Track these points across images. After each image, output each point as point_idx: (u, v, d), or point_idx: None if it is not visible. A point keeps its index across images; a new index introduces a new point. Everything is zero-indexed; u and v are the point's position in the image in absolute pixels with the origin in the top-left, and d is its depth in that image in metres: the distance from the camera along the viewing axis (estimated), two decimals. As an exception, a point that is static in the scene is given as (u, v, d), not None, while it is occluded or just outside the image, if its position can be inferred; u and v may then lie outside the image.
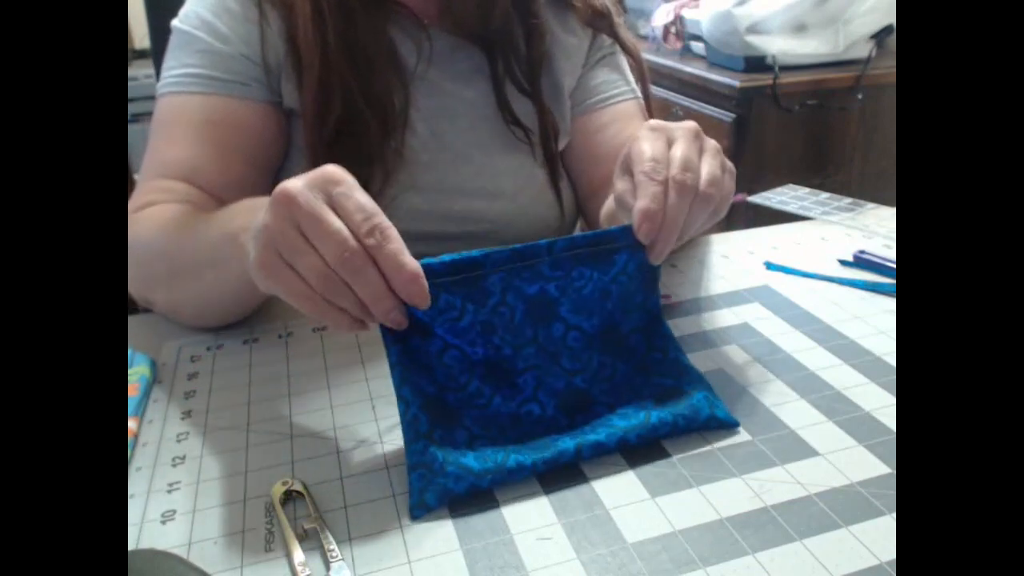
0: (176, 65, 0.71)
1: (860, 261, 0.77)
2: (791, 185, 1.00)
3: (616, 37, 0.84)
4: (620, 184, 0.54)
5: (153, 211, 0.65)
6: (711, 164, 0.52)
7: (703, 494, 0.47)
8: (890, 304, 0.69)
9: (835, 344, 0.63)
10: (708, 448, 0.51)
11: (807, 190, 0.98)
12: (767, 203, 0.94)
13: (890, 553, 0.42)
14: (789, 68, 1.62)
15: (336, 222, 0.44)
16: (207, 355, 0.64)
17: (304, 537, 0.44)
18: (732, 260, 0.79)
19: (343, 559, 0.42)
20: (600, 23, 0.83)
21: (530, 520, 0.45)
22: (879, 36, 1.65)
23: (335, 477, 0.49)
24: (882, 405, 0.54)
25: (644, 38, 2.01)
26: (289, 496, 0.47)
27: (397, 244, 0.45)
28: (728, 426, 0.52)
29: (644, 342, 0.55)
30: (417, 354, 0.49)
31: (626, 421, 0.51)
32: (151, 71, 1.07)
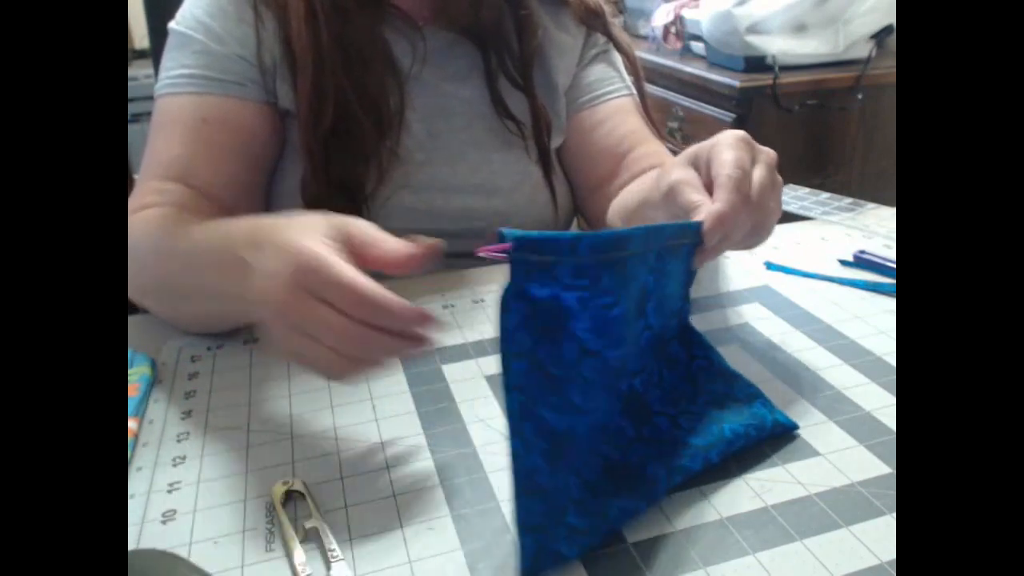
0: (173, 66, 0.72)
1: (860, 261, 0.77)
2: (791, 185, 1.00)
3: (609, 35, 0.85)
4: (681, 173, 0.53)
5: (148, 218, 0.65)
6: (776, 200, 0.54)
7: (703, 494, 0.47)
8: (890, 304, 0.69)
9: (835, 344, 0.63)
10: (708, 448, 0.51)
11: (807, 190, 0.98)
12: (767, 203, 0.94)
13: (890, 553, 0.42)
14: (789, 68, 1.62)
15: (333, 320, 0.43)
16: (207, 355, 0.64)
17: (305, 537, 0.44)
18: (732, 260, 0.79)
19: (344, 559, 0.42)
20: (593, 21, 0.84)
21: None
22: (879, 36, 1.65)
23: (335, 477, 0.49)
24: (882, 405, 0.54)
25: (644, 38, 2.01)
26: (289, 496, 0.47)
27: (388, 310, 0.43)
28: (789, 430, 0.51)
29: (684, 350, 0.53)
30: (548, 368, 0.39)
31: (703, 439, 0.47)
32: (151, 71, 1.07)
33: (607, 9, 0.85)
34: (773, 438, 0.50)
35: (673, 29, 1.88)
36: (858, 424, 0.53)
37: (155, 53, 0.98)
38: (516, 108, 0.78)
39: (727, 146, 0.52)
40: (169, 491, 0.49)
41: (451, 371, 0.60)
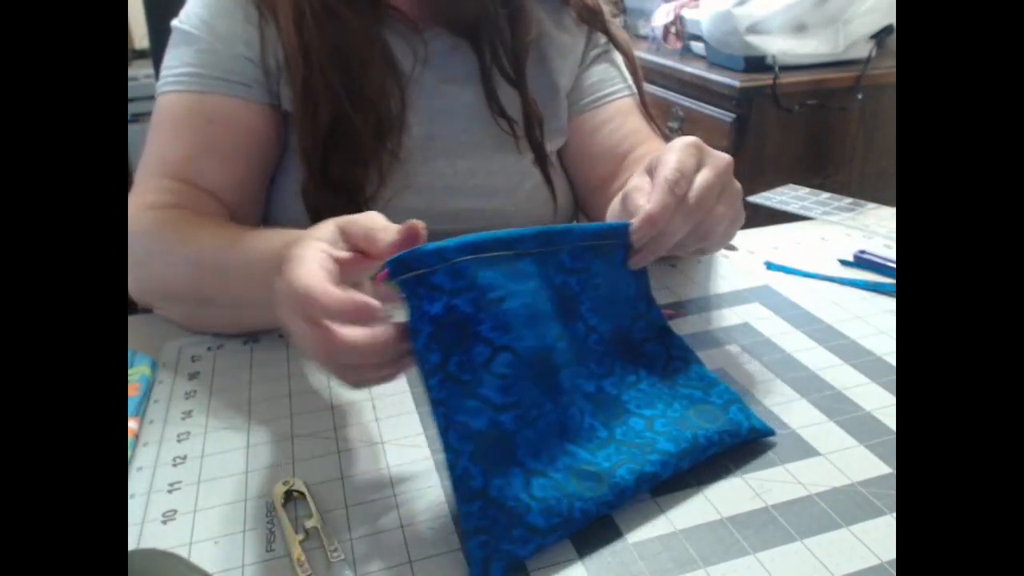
0: (177, 64, 0.71)
1: (860, 261, 0.77)
2: (791, 185, 1.00)
3: (608, 33, 0.85)
4: (637, 180, 0.54)
5: (160, 219, 0.65)
6: (724, 208, 0.54)
7: (704, 494, 0.47)
8: (890, 304, 0.69)
9: (835, 344, 0.63)
10: (708, 448, 0.51)
11: (807, 190, 0.98)
12: (767, 203, 0.94)
13: (890, 553, 0.42)
14: (789, 68, 1.62)
15: (326, 351, 0.43)
16: (208, 355, 0.64)
17: (305, 537, 0.44)
18: (732, 260, 0.79)
19: (344, 559, 0.42)
20: (592, 19, 0.83)
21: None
22: (879, 36, 1.65)
23: (336, 477, 0.49)
24: (882, 405, 0.54)
25: (644, 38, 2.01)
26: (290, 496, 0.47)
27: (380, 341, 0.43)
28: (766, 435, 0.51)
29: (663, 351, 0.54)
30: (461, 376, 0.43)
31: (675, 445, 0.47)
32: (151, 71, 1.07)
33: (606, 8, 0.85)
34: (748, 443, 0.50)
35: (673, 29, 1.88)
36: (858, 424, 0.53)
37: (155, 53, 0.98)
38: (510, 106, 0.78)
39: (672, 151, 0.53)
40: (169, 491, 0.49)
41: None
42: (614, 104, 0.83)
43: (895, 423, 0.52)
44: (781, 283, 0.74)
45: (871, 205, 0.92)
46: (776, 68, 1.59)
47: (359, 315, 0.42)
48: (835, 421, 0.53)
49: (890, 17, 1.64)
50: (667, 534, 0.44)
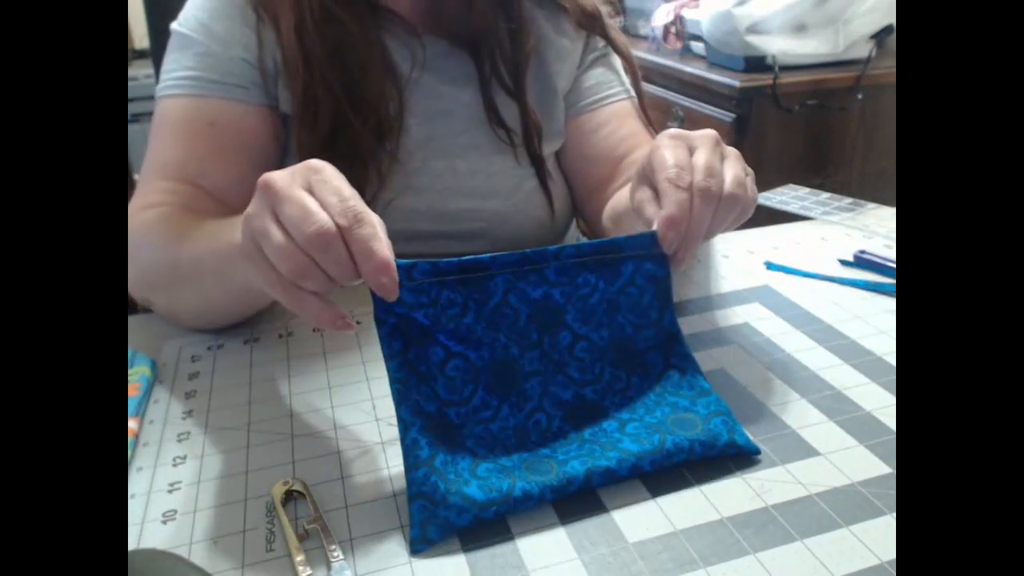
0: (176, 68, 0.72)
1: (860, 261, 0.77)
2: (791, 185, 1.00)
3: (607, 38, 0.85)
4: (639, 194, 0.53)
5: (155, 215, 0.65)
6: (734, 168, 0.52)
7: (704, 494, 0.47)
8: (890, 304, 0.69)
9: (835, 344, 0.63)
10: (708, 448, 0.51)
11: (807, 190, 0.98)
12: (767, 203, 0.94)
13: (890, 553, 0.42)
14: (789, 68, 1.62)
15: (310, 203, 0.43)
16: (207, 355, 0.64)
17: (305, 537, 0.44)
18: (732, 260, 0.79)
19: (344, 559, 0.42)
20: (591, 24, 0.83)
21: (532, 520, 0.45)
22: (879, 36, 1.65)
23: (336, 477, 0.49)
24: (882, 405, 0.54)
25: (644, 38, 2.01)
26: (290, 496, 0.47)
27: (370, 229, 0.43)
28: (748, 453, 0.50)
29: (662, 360, 0.53)
30: (417, 366, 0.47)
31: (639, 446, 0.48)
32: (151, 71, 1.07)
33: (605, 10, 0.85)
34: (726, 458, 0.49)
35: (673, 29, 1.88)
36: (858, 424, 0.53)
37: (155, 53, 0.98)
38: (508, 115, 0.78)
39: (659, 149, 0.52)
40: (169, 491, 0.49)
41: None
42: (611, 107, 0.83)
43: (895, 423, 0.52)
44: (781, 283, 0.74)
45: (871, 205, 0.92)
46: (776, 68, 1.59)
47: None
48: (835, 421, 0.53)
49: (890, 17, 1.64)
50: (667, 534, 0.44)
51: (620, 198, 0.76)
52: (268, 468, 0.50)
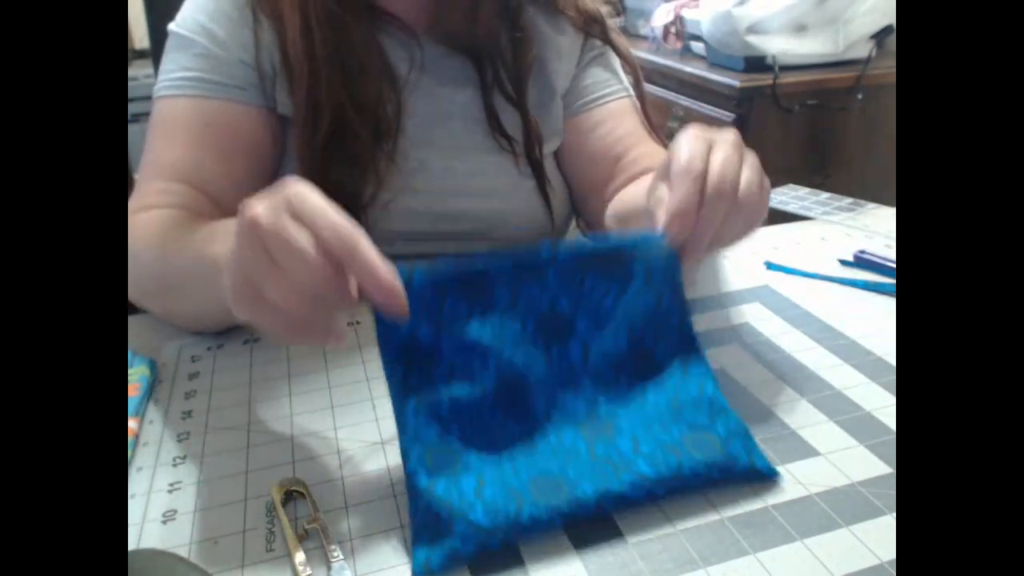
0: (174, 68, 0.72)
1: (860, 261, 0.77)
2: (791, 185, 1.00)
3: (609, 42, 0.85)
4: (657, 192, 0.51)
5: (147, 218, 0.64)
6: (752, 172, 0.50)
7: (704, 494, 0.47)
8: (890, 304, 0.69)
9: (835, 344, 0.63)
10: (708, 448, 0.51)
11: (807, 190, 0.98)
12: (767, 203, 0.94)
13: (890, 553, 0.42)
14: (789, 68, 1.62)
15: (302, 238, 0.40)
16: (207, 355, 0.64)
17: (305, 537, 0.44)
18: (732, 260, 0.79)
19: (344, 559, 0.42)
20: (593, 28, 0.83)
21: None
22: (879, 36, 1.65)
23: (336, 477, 0.49)
24: (882, 405, 0.54)
25: (644, 38, 2.01)
26: (290, 496, 0.47)
27: (367, 254, 0.41)
28: (768, 477, 0.47)
29: (680, 370, 0.51)
30: (420, 384, 0.45)
31: (655, 470, 0.45)
32: (151, 71, 1.07)
33: (605, 10, 0.85)
34: (746, 481, 0.47)
35: (673, 29, 1.88)
36: (858, 424, 0.53)
37: (155, 53, 0.98)
38: (509, 122, 0.78)
39: (677, 146, 0.50)
40: (169, 491, 0.49)
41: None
42: (609, 106, 0.83)
43: (895, 423, 0.52)
44: (781, 283, 0.74)
45: (871, 205, 0.92)
46: (776, 68, 1.59)
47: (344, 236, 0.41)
48: (835, 421, 0.53)
49: (890, 17, 1.64)
50: (667, 534, 0.44)
51: (624, 197, 0.76)
52: (268, 468, 0.50)
